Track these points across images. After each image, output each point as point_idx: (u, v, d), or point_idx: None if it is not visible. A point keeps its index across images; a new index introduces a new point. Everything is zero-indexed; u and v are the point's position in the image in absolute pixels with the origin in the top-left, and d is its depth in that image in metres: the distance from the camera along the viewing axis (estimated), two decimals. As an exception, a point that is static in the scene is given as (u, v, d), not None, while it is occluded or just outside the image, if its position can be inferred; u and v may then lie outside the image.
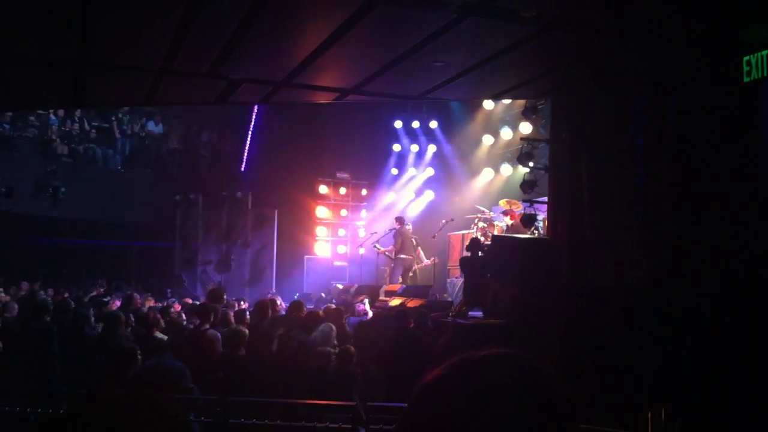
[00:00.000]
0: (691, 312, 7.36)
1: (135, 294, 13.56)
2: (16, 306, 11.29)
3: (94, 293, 15.50)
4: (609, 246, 9.30)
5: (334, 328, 9.29)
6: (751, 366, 6.75)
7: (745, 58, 7.00)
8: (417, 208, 20.04)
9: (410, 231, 16.93)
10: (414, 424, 1.25)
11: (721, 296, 7.17)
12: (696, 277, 7.62)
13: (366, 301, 12.86)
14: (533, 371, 1.26)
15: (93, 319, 9.87)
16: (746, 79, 7.00)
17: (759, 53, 6.87)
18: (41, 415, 6.83)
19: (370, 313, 12.33)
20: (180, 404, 1.46)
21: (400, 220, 17.02)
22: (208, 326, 9.04)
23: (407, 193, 20.50)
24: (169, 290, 18.29)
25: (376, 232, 18.14)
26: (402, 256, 16.37)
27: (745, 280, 7.08)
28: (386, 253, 16.99)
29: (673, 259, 8.07)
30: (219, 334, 8.83)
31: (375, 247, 17.35)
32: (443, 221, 16.70)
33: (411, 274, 16.67)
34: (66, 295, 15.33)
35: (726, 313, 7.05)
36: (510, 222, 14.57)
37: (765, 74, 6.76)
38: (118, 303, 13.14)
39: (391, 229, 17.14)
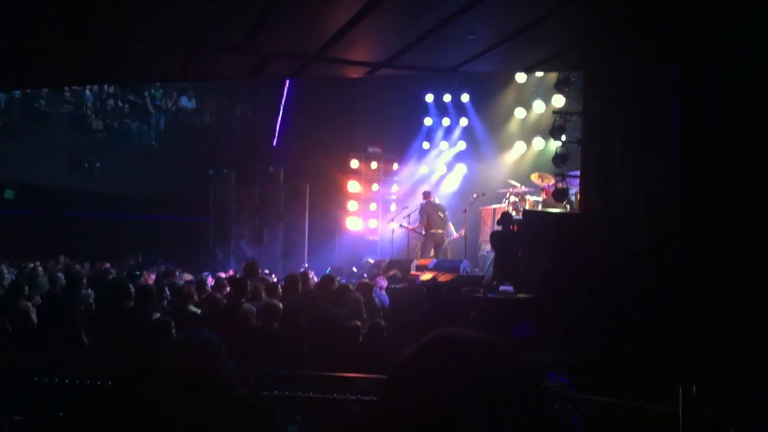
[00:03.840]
0: (728, 282, 7.20)
1: (173, 268, 13.70)
2: (62, 276, 11.47)
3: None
4: (642, 215, 9.15)
5: (362, 300, 9.31)
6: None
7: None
8: (449, 182, 19.96)
9: (438, 205, 16.85)
10: (391, 393, 1.31)
11: (762, 268, 7.00)
12: (734, 247, 7.45)
13: (381, 277, 12.68)
14: (501, 351, 1.31)
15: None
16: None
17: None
18: (79, 386, 6.93)
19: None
20: (230, 377, 1.50)
21: (426, 194, 16.93)
22: (243, 300, 9.14)
23: (439, 167, 20.43)
24: (207, 264, 18.47)
25: (407, 207, 18.10)
26: (432, 231, 16.35)
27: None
28: (415, 230, 16.95)
29: (709, 228, 7.89)
30: (254, 308, 8.92)
31: (402, 225, 17.31)
32: (474, 195, 16.62)
33: (444, 247, 16.63)
34: (108, 266, 15.58)
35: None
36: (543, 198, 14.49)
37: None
38: (152, 277, 13.32)
39: (419, 205, 17.11)
